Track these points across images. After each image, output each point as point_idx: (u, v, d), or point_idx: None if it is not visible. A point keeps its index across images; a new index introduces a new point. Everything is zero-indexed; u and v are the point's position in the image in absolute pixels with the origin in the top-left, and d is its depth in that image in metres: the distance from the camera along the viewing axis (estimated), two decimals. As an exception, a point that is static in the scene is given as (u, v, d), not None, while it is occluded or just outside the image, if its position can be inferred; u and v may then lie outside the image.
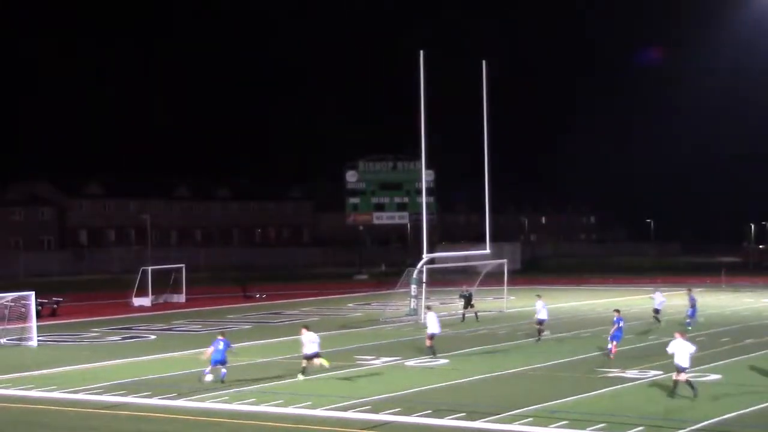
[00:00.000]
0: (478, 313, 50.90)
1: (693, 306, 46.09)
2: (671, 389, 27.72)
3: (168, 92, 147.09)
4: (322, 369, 32.00)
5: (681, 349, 27.76)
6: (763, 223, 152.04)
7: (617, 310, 37.45)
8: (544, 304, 42.22)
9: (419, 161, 53.99)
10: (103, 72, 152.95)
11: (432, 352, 36.76)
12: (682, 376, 27.58)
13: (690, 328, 43.32)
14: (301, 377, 31.77)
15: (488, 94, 54.85)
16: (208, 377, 31.31)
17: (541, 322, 41.85)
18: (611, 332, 36.21)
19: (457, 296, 52.61)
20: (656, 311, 47.23)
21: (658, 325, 45.92)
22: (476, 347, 39.84)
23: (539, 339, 41.36)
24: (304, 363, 32.13)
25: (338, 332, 47.06)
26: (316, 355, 32.12)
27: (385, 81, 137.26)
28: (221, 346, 31.25)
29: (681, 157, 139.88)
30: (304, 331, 32.74)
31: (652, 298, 48.79)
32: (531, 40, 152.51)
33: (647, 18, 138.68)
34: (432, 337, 36.99)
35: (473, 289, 52.99)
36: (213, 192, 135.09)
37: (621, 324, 36.44)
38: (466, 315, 50.40)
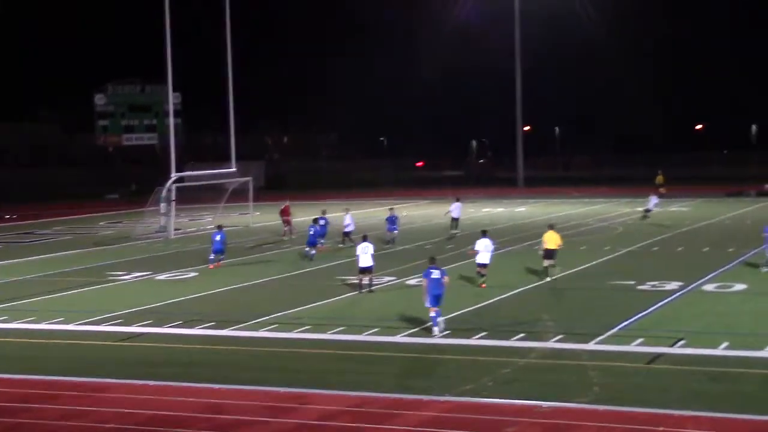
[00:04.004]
0: None
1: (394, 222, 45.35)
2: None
3: None
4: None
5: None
6: (483, 140, 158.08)
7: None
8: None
9: (166, 84, 52.62)
10: None
11: None
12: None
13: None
14: None
15: (231, 19, 54.10)
16: None
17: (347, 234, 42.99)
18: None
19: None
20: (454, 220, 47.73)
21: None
22: (224, 260, 39.41)
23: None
24: None
25: (90, 250, 45.73)
26: None
27: (132, 4, 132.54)
28: None
29: (415, 80, 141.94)
30: None
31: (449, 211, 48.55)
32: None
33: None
34: None
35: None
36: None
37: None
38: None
